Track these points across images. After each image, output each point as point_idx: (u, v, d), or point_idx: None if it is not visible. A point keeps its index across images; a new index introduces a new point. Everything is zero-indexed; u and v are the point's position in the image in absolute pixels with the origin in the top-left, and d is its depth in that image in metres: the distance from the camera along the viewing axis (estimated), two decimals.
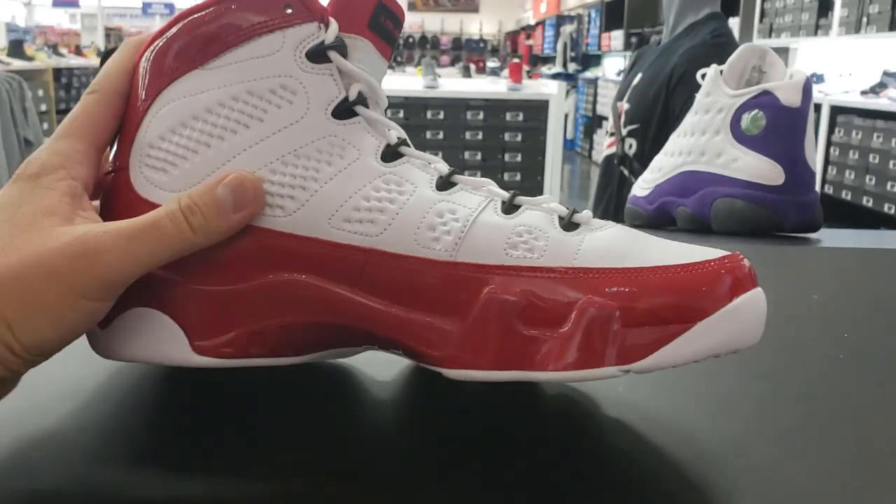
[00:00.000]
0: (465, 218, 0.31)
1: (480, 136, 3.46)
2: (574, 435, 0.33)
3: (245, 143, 0.32)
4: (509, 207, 0.32)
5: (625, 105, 1.61)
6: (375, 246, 0.31)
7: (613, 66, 7.22)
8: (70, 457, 0.30)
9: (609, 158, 1.66)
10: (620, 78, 4.68)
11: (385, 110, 0.35)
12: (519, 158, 3.49)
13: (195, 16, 0.32)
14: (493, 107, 3.44)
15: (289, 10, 0.32)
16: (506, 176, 3.49)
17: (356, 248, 0.31)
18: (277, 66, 0.32)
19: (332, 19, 0.33)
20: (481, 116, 3.45)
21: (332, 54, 0.32)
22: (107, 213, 0.33)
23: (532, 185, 3.50)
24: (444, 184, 0.33)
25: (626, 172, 1.58)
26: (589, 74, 7.75)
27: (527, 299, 0.30)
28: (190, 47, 0.32)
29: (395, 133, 0.34)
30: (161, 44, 0.33)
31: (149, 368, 0.37)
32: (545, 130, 3.45)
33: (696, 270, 0.29)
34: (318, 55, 0.32)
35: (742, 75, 0.81)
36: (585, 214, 0.33)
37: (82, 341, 0.31)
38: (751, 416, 0.35)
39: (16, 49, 5.17)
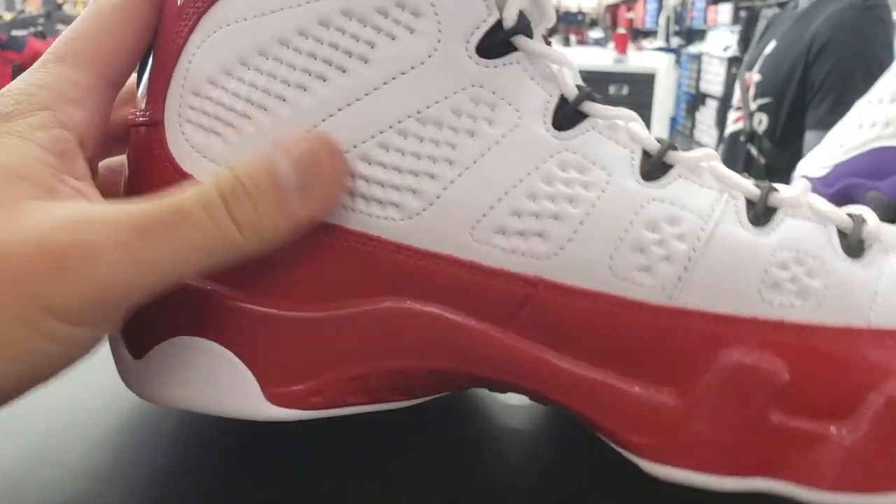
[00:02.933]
0: (693, 234, 0.20)
1: None
2: None
3: (340, 98, 0.20)
4: (762, 212, 0.20)
5: (755, 76, 1.44)
6: (546, 274, 0.20)
7: (719, 41, 6.86)
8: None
9: (734, 136, 1.49)
10: (727, 54, 4.39)
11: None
12: None
13: None
14: (596, 79, 3.26)
15: None
16: None
17: (515, 275, 0.20)
18: None
19: None
20: None
21: None
22: (133, 190, 0.22)
23: None
24: (654, 167, 0.21)
25: (754, 152, 1.41)
26: (693, 50, 7.40)
27: (792, 373, 0.19)
28: None
29: (572, 74, 0.22)
30: None
31: None
32: (651, 105, 3.26)
33: None
34: None
35: None
36: (873, 223, 0.21)
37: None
38: None
39: None
